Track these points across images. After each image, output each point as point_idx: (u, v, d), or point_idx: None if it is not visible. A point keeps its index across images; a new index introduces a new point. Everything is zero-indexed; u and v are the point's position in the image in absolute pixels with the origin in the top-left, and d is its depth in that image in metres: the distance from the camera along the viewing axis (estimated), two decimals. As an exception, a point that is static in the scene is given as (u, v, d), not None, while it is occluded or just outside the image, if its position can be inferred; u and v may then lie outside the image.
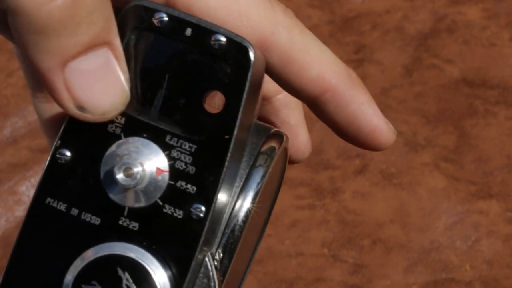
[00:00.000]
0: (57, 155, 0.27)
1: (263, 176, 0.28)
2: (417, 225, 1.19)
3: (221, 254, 0.28)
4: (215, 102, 0.28)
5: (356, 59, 1.41)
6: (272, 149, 0.29)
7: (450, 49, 1.44)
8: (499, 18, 1.49)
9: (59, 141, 0.27)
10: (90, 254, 0.27)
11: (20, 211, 1.24)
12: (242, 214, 0.28)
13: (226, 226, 0.28)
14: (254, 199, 0.28)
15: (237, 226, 0.28)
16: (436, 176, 1.24)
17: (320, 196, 1.23)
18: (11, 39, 0.28)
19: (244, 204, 0.28)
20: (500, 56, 1.42)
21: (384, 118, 0.29)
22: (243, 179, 0.28)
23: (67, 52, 0.25)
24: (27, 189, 1.26)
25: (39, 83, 0.31)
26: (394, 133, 0.30)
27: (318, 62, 0.28)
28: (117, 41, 0.26)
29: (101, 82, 0.26)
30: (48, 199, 0.27)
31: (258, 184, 0.28)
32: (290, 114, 0.33)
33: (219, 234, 0.27)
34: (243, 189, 0.28)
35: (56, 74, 0.25)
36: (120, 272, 0.26)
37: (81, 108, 0.26)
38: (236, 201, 0.28)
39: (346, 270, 1.14)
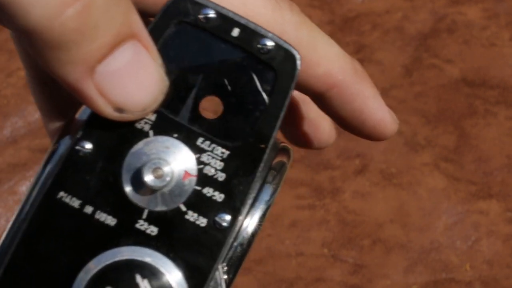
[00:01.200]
0: (77, 147, 0.25)
1: (272, 194, 0.27)
2: (417, 225, 1.19)
3: (226, 268, 0.26)
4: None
5: (356, 59, 1.41)
6: (282, 164, 0.28)
7: (450, 49, 1.44)
8: (499, 18, 1.49)
9: (81, 132, 0.25)
10: (106, 257, 0.25)
11: (20, 211, 1.24)
12: (250, 229, 0.27)
13: (235, 239, 0.26)
14: (263, 216, 0.27)
15: (246, 241, 0.27)
16: (436, 176, 1.24)
17: (320, 196, 1.23)
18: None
19: (253, 220, 0.27)
20: (500, 56, 1.42)
21: (388, 110, 0.29)
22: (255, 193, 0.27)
23: (92, 58, 0.24)
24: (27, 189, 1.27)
25: (50, 105, 0.30)
26: (397, 123, 0.30)
27: (325, 59, 0.28)
28: (142, 31, 0.25)
29: (135, 77, 0.24)
30: (61, 194, 0.26)
31: (268, 201, 0.27)
32: (308, 109, 0.32)
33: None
34: (253, 204, 0.27)
35: (86, 83, 0.24)
36: (138, 278, 0.25)
37: (120, 110, 0.25)
38: (247, 215, 0.27)
39: (346, 270, 1.14)
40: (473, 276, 1.12)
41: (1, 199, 1.25)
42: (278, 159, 0.28)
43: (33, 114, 1.38)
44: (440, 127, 1.31)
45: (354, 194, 1.23)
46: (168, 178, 0.25)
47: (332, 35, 1.42)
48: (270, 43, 0.26)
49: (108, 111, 0.25)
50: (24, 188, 1.26)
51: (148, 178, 0.25)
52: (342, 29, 1.47)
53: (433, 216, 1.20)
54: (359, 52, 1.43)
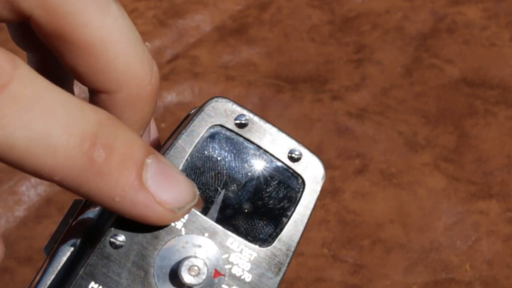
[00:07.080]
0: (111, 239, 0.26)
1: None
2: (417, 225, 1.19)
3: None
4: None
5: (356, 59, 1.41)
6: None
7: (450, 49, 1.44)
8: (499, 18, 1.49)
9: (115, 225, 0.26)
10: None
11: (20, 211, 1.24)
12: None
13: None
14: None
15: None
16: (436, 176, 1.24)
17: (320, 196, 1.23)
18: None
19: None
20: (500, 56, 1.42)
21: None
22: None
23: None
24: (27, 189, 1.26)
25: None
26: None
27: None
28: (155, 154, 0.26)
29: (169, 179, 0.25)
30: (92, 284, 0.26)
31: None
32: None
33: None
34: None
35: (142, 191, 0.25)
36: None
37: (171, 209, 0.25)
38: None
39: (346, 270, 1.14)
40: (473, 276, 1.12)
41: (1, 199, 1.25)
42: None
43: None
44: (440, 127, 1.31)
45: (354, 194, 1.23)
46: (204, 276, 0.26)
47: (332, 35, 1.41)
48: (299, 153, 0.28)
49: (164, 213, 0.25)
50: (24, 188, 1.26)
51: (185, 275, 0.26)
52: (342, 29, 1.47)
53: (433, 216, 1.20)
54: (359, 52, 1.43)
